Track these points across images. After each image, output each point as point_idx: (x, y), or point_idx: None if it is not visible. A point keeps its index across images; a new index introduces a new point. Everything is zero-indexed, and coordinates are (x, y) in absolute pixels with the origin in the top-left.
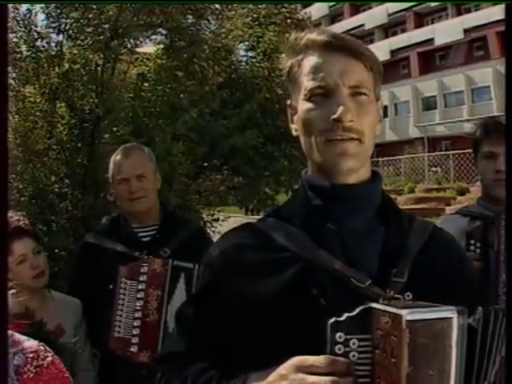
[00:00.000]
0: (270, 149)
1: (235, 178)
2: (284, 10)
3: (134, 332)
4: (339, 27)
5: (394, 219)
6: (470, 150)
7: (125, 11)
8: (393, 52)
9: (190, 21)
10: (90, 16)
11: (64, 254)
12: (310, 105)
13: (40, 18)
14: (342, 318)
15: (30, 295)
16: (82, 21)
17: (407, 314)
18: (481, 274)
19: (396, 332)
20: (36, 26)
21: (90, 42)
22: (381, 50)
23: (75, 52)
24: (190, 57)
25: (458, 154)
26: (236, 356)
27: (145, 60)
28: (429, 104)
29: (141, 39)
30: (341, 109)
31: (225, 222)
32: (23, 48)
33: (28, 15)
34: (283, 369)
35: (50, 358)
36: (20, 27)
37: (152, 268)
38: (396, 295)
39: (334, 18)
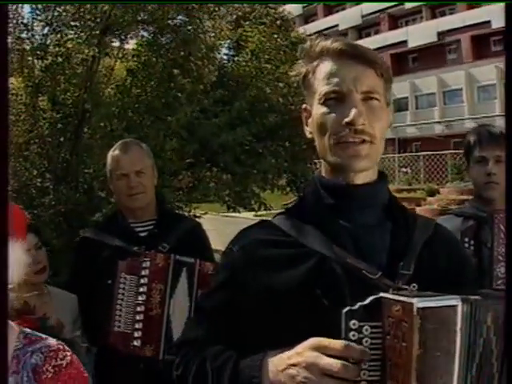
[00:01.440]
0: (257, 146)
1: (224, 176)
2: (272, 10)
3: (137, 326)
4: (313, 27)
5: (400, 216)
6: (441, 152)
7: (116, 9)
8: None
9: (181, 19)
10: (82, 10)
11: (47, 249)
12: (324, 109)
13: (26, 9)
14: (356, 307)
15: (30, 291)
16: (72, 14)
17: (418, 302)
18: (475, 269)
19: (407, 318)
20: (22, 18)
21: (84, 37)
22: None
23: (62, 44)
24: (185, 55)
25: (429, 155)
26: (253, 347)
27: (132, 56)
28: (400, 105)
29: (130, 36)
30: (353, 112)
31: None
32: (8, 39)
33: (14, 6)
34: (300, 347)
35: (68, 358)
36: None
37: (155, 263)
38: (403, 286)
39: (307, 17)
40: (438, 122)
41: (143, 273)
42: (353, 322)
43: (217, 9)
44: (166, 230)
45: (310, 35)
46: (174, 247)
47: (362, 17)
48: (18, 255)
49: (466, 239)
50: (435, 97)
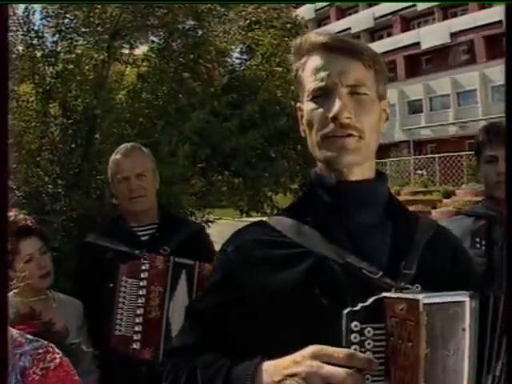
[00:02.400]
0: (269, 150)
1: (235, 180)
2: (283, 14)
3: (136, 329)
4: (326, 30)
5: (400, 215)
6: (456, 153)
7: (125, 13)
8: None
9: (191, 23)
10: (92, 15)
11: (57, 254)
12: (312, 105)
13: (37, 16)
14: (357, 308)
15: (35, 296)
16: (80, 20)
17: (424, 298)
18: (487, 269)
19: (413, 316)
20: (34, 25)
21: (94, 42)
22: None
23: (72, 50)
24: (195, 58)
25: (444, 157)
26: (248, 351)
27: (142, 61)
28: (414, 107)
29: (140, 41)
30: (337, 106)
31: (215, 223)
32: (20, 46)
33: (26, 14)
34: (299, 355)
35: (57, 360)
36: (18, 26)
37: (153, 265)
38: (406, 286)
39: (320, 21)
40: (453, 124)
41: (142, 276)
42: (354, 323)
43: (226, 13)
44: (168, 234)
45: None
46: (176, 250)
47: (375, 19)
48: None
49: (477, 239)
50: (449, 98)
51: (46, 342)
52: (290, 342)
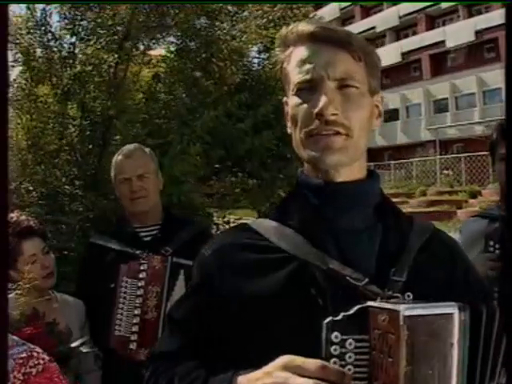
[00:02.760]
0: (284, 151)
1: (249, 181)
2: (299, 12)
3: (133, 329)
4: (350, 29)
5: (392, 218)
6: (482, 153)
7: (138, 14)
8: (404, 54)
9: (203, 22)
10: (104, 16)
11: (73, 255)
12: (296, 99)
13: (55, 19)
14: (338, 318)
15: (38, 296)
16: (96, 21)
17: (405, 310)
18: (499, 274)
19: (393, 329)
20: (51, 27)
21: (104, 43)
22: (392, 52)
23: (88, 52)
24: (208, 56)
25: (470, 156)
26: (227, 356)
27: (158, 62)
28: (440, 106)
29: (153, 41)
30: (322, 101)
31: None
32: (37, 48)
33: (43, 16)
34: (270, 366)
35: (40, 366)
36: (36, 28)
37: (151, 265)
38: (395, 294)
39: (345, 20)
40: (479, 123)
41: (141, 276)
42: (335, 334)
43: (239, 12)
44: (171, 235)
45: None
46: (177, 251)
47: (400, 18)
48: None
49: (491, 242)
50: (475, 97)
51: (31, 347)
52: (268, 350)
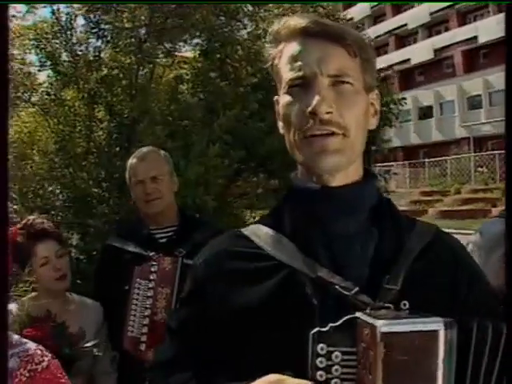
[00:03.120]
0: None
1: (271, 181)
2: (322, 9)
3: (143, 330)
4: (382, 27)
5: (390, 221)
6: None
7: (158, 16)
8: (436, 51)
9: (222, 21)
10: (124, 17)
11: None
12: (288, 98)
13: (79, 23)
14: (325, 329)
15: (52, 298)
16: (117, 24)
17: (382, 326)
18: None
19: (372, 346)
20: (75, 31)
21: (123, 46)
22: (424, 49)
23: (109, 55)
24: (223, 57)
25: (505, 153)
26: (218, 365)
27: (182, 63)
28: (474, 103)
29: (180, 43)
30: (315, 100)
31: None
32: (63, 52)
33: (68, 20)
34: (257, 382)
35: (45, 363)
36: (61, 32)
37: (162, 267)
38: (387, 304)
39: (376, 18)
40: None
41: (151, 277)
42: (321, 346)
43: (257, 9)
44: (186, 236)
45: (378, 36)
46: (191, 252)
47: (430, 14)
48: None
49: None
50: None
51: (35, 345)
52: (257, 361)
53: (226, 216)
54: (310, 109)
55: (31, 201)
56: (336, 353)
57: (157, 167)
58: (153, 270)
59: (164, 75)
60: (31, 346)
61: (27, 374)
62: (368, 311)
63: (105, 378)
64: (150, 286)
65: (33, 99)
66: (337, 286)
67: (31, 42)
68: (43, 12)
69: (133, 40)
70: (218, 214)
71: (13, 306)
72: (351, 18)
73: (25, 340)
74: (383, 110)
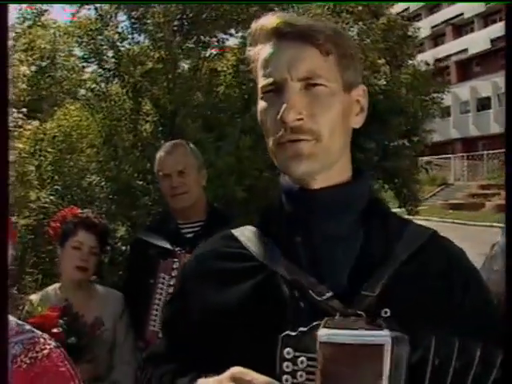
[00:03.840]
0: None
1: None
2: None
3: None
4: (438, 17)
5: (379, 224)
6: None
7: (190, 9)
8: (493, 41)
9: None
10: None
11: None
12: (263, 104)
13: (121, 18)
14: (294, 333)
15: (73, 289)
16: (157, 19)
17: (322, 336)
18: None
19: (317, 355)
20: (116, 27)
21: (161, 40)
22: (481, 39)
23: (151, 49)
24: None
25: None
26: (199, 361)
27: (214, 56)
28: None
29: (222, 36)
30: (283, 108)
31: None
32: (106, 49)
33: (110, 17)
34: (222, 375)
35: (46, 351)
36: (104, 29)
37: (182, 262)
38: (360, 311)
39: (432, 8)
40: None
41: (173, 273)
42: (287, 350)
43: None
44: (212, 232)
45: (435, 26)
46: None
47: (486, 3)
48: None
49: None
50: None
51: (39, 333)
52: (232, 360)
53: (256, 207)
54: (278, 117)
55: (74, 193)
56: (302, 358)
57: (184, 161)
58: (174, 266)
59: (202, 68)
60: (36, 334)
61: (27, 361)
62: (335, 318)
63: (125, 367)
64: (172, 282)
65: (79, 94)
66: (310, 290)
67: (75, 39)
68: (87, 10)
69: (171, 34)
70: (249, 205)
71: (34, 297)
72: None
73: (32, 329)
74: (427, 101)
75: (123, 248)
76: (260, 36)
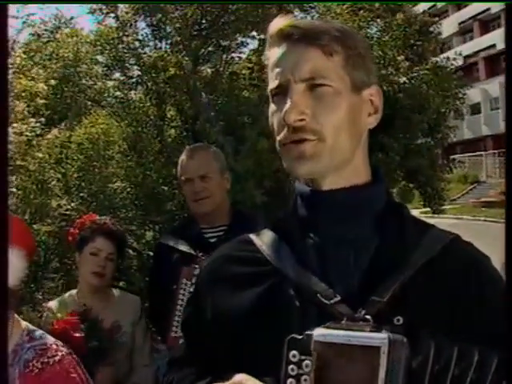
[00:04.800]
0: None
1: None
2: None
3: None
4: (465, 13)
5: (395, 229)
6: None
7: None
8: None
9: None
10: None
11: None
12: (272, 107)
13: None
14: (300, 336)
15: (92, 294)
16: (177, 25)
17: (318, 335)
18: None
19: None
20: (137, 34)
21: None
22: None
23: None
24: None
25: None
26: (215, 365)
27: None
28: None
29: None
30: (285, 108)
31: None
32: (128, 56)
33: (130, 25)
34: (227, 382)
35: (58, 357)
36: (125, 36)
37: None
38: (366, 317)
39: (459, 4)
40: None
41: (194, 279)
42: (293, 353)
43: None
44: (236, 235)
45: (462, 22)
46: None
47: None
48: (11, 261)
49: None
50: None
51: (53, 340)
52: (244, 364)
53: (276, 211)
54: (281, 117)
55: (100, 200)
56: (306, 361)
57: (206, 165)
58: (195, 272)
59: (222, 72)
60: (49, 341)
61: (39, 366)
62: (344, 322)
63: (143, 369)
64: (192, 288)
65: (103, 102)
66: (318, 294)
67: (98, 48)
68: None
69: (189, 38)
70: (269, 209)
71: (53, 304)
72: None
73: (45, 335)
74: (448, 97)
75: (150, 253)
76: (270, 40)
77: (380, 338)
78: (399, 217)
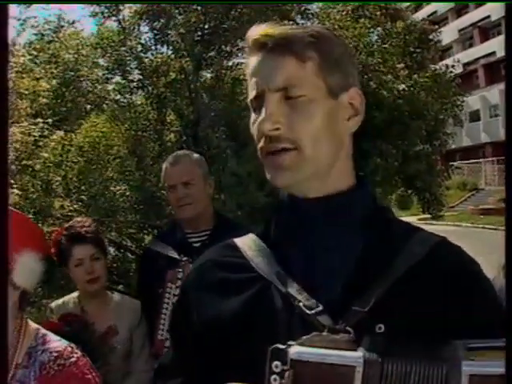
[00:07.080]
0: (364, 146)
1: None
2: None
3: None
4: (465, 20)
5: (379, 234)
6: None
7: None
8: None
9: (276, 21)
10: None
11: None
12: (253, 116)
13: (143, 29)
14: (283, 346)
15: (90, 297)
16: (181, 30)
17: (293, 353)
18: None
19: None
20: (140, 39)
21: (183, 50)
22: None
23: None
24: None
25: None
26: (201, 372)
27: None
28: None
29: (244, 44)
30: (259, 119)
31: None
32: (130, 60)
33: (133, 28)
34: None
35: (73, 359)
36: (127, 40)
37: (186, 272)
38: (347, 328)
39: (459, 10)
40: None
41: (178, 283)
42: (275, 363)
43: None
44: (219, 240)
45: (462, 29)
46: None
47: None
48: (29, 264)
49: None
50: None
51: (67, 343)
52: (228, 372)
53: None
54: (257, 128)
55: (99, 203)
56: (289, 372)
57: (188, 172)
58: (179, 276)
59: (223, 77)
60: (63, 343)
61: (56, 368)
62: (325, 333)
63: (141, 375)
64: (177, 292)
65: (103, 106)
66: (300, 304)
67: (99, 51)
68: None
69: (192, 43)
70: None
71: (54, 304)
72: (434, 12)
73: (58, 338)
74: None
75: None
76: (248, 49)
77: (355, 357)
78: (385, 220)
